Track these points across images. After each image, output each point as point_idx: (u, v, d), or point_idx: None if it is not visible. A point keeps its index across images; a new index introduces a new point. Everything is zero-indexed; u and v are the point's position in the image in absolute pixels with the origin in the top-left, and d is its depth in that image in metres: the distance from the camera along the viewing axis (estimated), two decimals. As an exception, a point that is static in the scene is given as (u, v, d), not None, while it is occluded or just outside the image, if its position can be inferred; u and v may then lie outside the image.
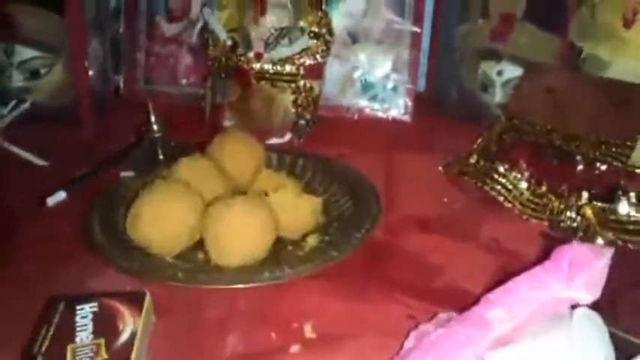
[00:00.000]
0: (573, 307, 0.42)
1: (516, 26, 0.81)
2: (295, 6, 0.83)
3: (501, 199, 0.67)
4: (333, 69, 0.87)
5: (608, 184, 0.63)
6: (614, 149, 0.66)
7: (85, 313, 0.47)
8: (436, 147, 0.79)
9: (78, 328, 0.46)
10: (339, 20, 0.86)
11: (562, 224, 0.62)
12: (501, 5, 0.82)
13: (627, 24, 0.74)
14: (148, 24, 0.94)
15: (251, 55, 0.83)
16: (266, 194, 0.60)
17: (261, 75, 0.83)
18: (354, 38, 0.88)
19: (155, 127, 0.74)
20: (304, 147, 0.80)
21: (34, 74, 0.86)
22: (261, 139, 0.71)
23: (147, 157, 0.75)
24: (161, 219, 0.56)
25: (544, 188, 0.65)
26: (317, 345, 0.49)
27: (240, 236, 0.56)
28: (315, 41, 0.82)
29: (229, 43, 0.84)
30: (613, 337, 0.42)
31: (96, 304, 0.48)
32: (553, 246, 0.44)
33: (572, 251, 0.43)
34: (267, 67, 0.83)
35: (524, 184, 0.66)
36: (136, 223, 0.57)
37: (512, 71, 0.82)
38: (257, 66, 0.83)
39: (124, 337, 0.45)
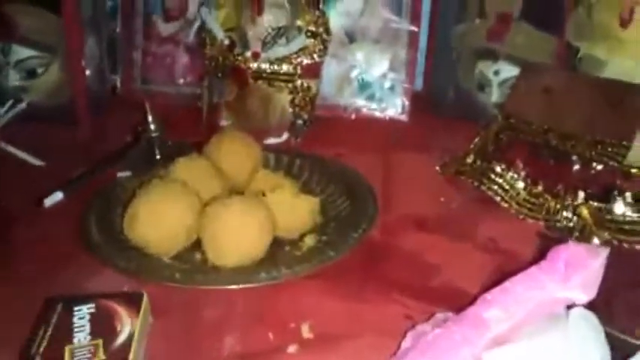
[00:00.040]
0: (569, 307, 0.43)
1: (513, 26, 0.82)
2: (292, 5, 0.83)
3: (498, 198, 0.67)
4: (331, 68, 0.87)
5: (604, 184, 0.64)
6: (610, 149, 0.67)
7: (83, 314, 0.47)
8: (433, 146, 0.79)
9: (75, 329, 0.46)
10: (336, 19, 0.86)
11: (558, 224, 0.62)
12: (498, 5, 0.82)
13: (624, 24, 0.74)
14: (145, 23, 0.94)
15: (248, 54, 0.83)
16: (263, 194, 0.60)
17: (259, 74, 0.83)
18: (351, 37, 0.89)
19: (152, 126, 0.74)
20: (301, 147, 0.80)
21: (31, 74, 0.86)
22: (259, 139, 0.71)
23: (144, 156, 0.74)
24: (158, 219, 0.56)
25: (540, 188, 0.65)
26: (314, 345, 0.49)
27: (237, 236, 0.56)
28: (312, 40, 0.82)
29: (226, 42, 0.83)
30: (609, 336, 0.42)
31: (93, 304, 0.48)
32: (549, 246, 0.44)
33: (568, 251, 0.43)
34: (265, 66, 0.83)
35: (520, 184, 0.66)
36: (133, 223, 0.57)
37: (509, 71, 0.82)
38: (254, 65, 0.83)
39: (121, 337, 0.45)
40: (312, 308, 0.53)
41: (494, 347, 0.41)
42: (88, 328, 0.46)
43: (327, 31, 0.83)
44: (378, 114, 0.88)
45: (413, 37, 0.88)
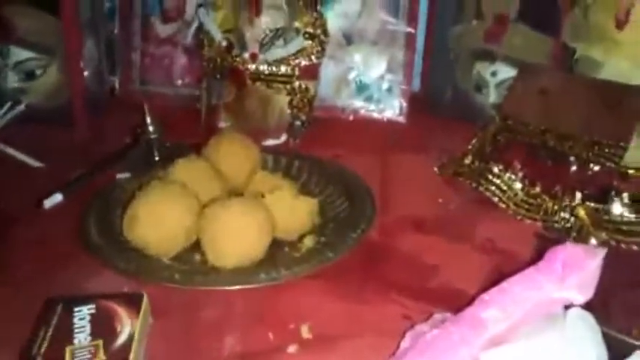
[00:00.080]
0: (567, 307, 0.43)
1: (510, 27, 0.82)
2: (290, 7, 0.83)
3: (496, 199, 0.67)
4: (328, 70, 0.88)
5: (601, 185, 0.64)
6: (607, 150, 0.67)
7: (83, 314, 0.47)
8: (431, 147, 0.80)
9: (76, 330, 0.46)
10: (334, 21, 0.86)
11: (556, 225, 0.63)
12: (495, 6, 0.83)
13: (620, 25, 0.74)
14: (143, 25, 0.94)
15: (246, 55, 0.83)
16: (262, 195, 0.60)
17: (257, 76, 0.83)
18: (348, 39, 0.89)
19: (151, 128, 0.75)
20: (300, 148, 0.81)
21: (30, 75, 0.86)
22: (257, 141, 0.71)
23: (143, 158, 0.75)
24: (158, 220, 0.57)
25: (538, 189, 0.65)
26: (314, 345, 0.49)
27: (236, 237, 0.56)
28: (310, 42, 0.83)
29: (224, 43, 0.84)
30: (606, 337, 0.43)
31: (93, 305, 0.48)
32: (547, 246, 0.45)
33: (566, 252, 0.43)
34: (263, 68, 0.83)
35: (518, 185, 0.66)
36: (133, 225, 0.57)
37: (506, 72, 0.82)
38: (252, 67, 0.83)
39: (121, 338, 0.45)
40: (312, 309, 0.53)
41: (491, 347, 0.41)
42: (88, 328, 0.46)
43: (325, 32, 0.83)
44: (375, 115, 0.89)
45: (410, 39, 0.88)
